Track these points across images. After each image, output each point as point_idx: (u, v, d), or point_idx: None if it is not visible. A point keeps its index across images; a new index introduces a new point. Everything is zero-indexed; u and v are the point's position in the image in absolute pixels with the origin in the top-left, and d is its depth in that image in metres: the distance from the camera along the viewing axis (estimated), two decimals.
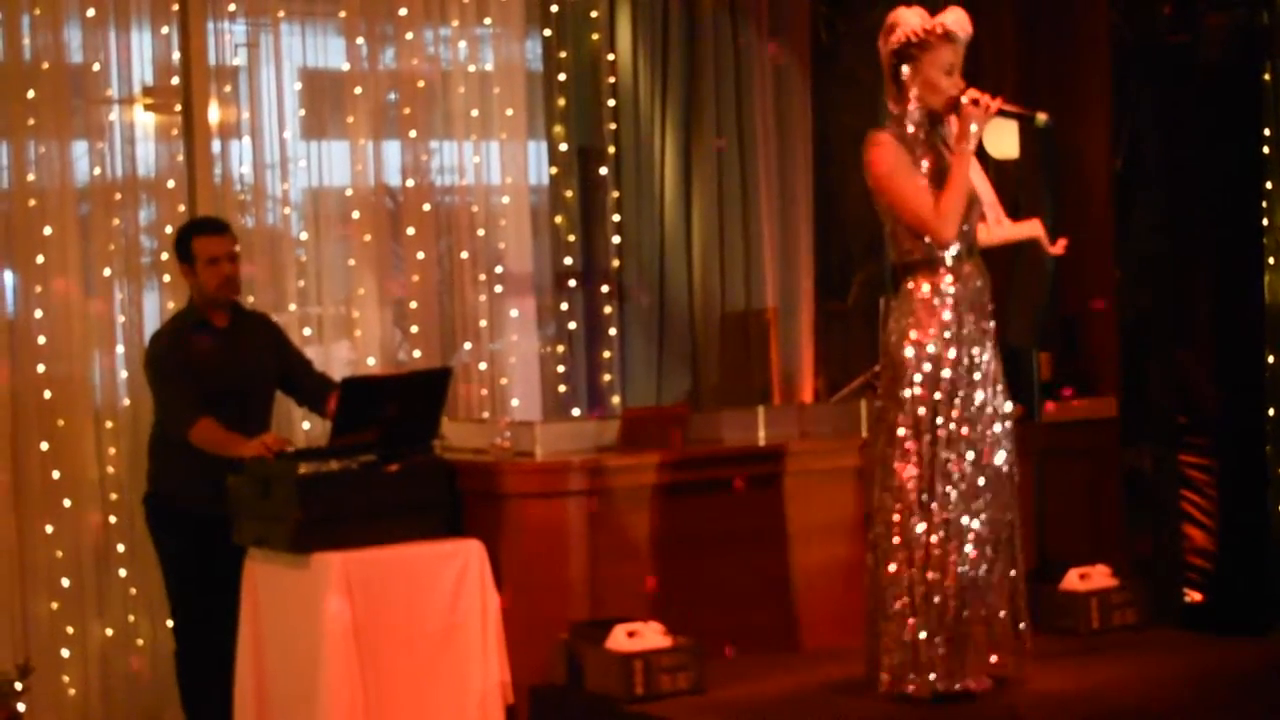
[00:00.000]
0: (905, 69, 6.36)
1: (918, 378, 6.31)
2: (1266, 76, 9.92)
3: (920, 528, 6.26)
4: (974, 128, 6.29)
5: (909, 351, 6.32)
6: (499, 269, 8.67)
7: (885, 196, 6.36)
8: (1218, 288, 9.48)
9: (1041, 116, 6.42)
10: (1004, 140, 8.58)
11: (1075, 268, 8.74)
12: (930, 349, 6.31)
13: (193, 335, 7.09)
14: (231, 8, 8.14)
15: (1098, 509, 8.45)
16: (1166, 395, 9.15)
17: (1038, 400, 8.20)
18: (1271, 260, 9.90)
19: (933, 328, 6.32)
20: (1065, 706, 6.37)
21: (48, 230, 7.68)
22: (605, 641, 6.56)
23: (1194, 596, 9.11)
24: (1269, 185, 9.90)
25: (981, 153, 6.66)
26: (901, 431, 6.32)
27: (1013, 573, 6.42)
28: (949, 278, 6.35)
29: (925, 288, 6.35)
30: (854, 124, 9.35)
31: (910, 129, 6.36)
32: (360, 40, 8.41)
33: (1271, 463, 9.54)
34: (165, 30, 7.97)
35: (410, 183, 8.51)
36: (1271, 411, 9.67)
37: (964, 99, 6.31)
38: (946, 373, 6.31)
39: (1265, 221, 9.88)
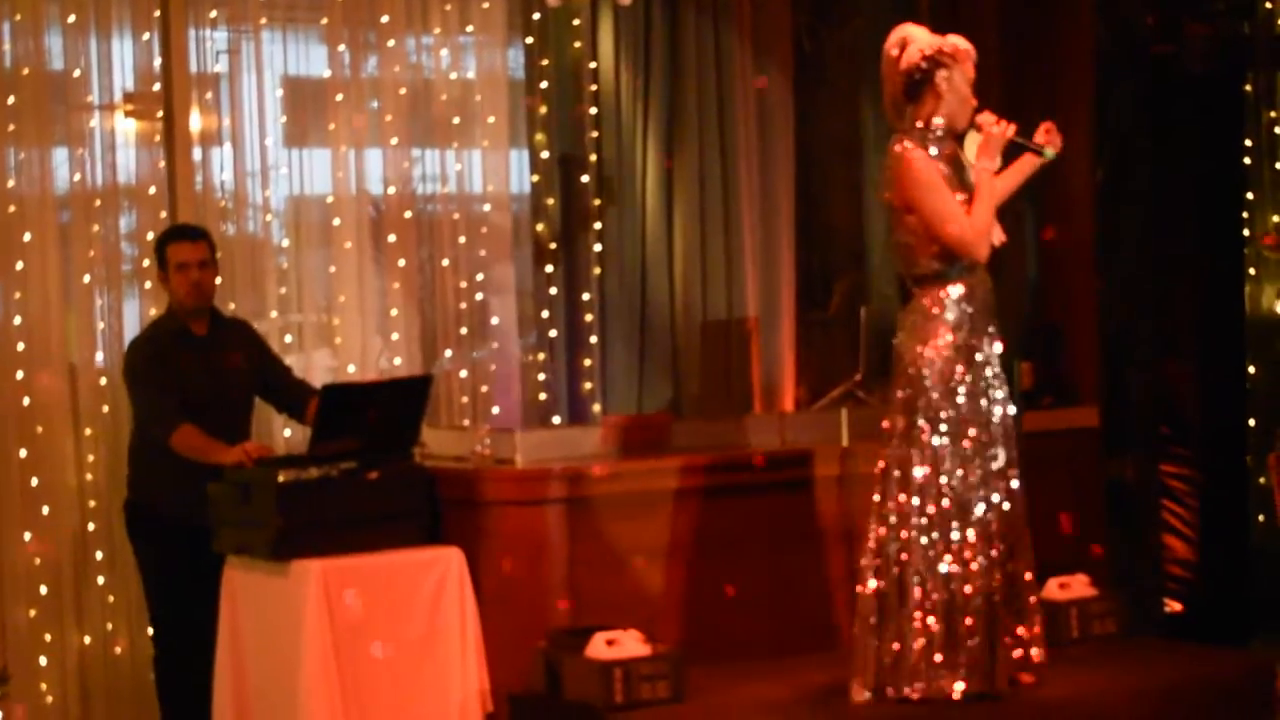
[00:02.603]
0: (940, 77, 6.34)
1: (931, 387, 6.35)
2: (1248, 87, 9.95)
3: (928, 537, 6.34)
4: (996, 151, 6.37)
5: (922, 362, 6.36)
6: (480, 277, 8.66)
7: (920, 211, 6.34)
8: (1200, 298, 9.49)
9: (1051, 150, 6.46)
10: None
11: (1057, 278, 8.77)
12: (944, 358, 6.36)
13: (172, 343, 7.07)
14: (213, 15, 8.13)
15: (1080, 518, 8.45)
16: (1148, 405, 9.14)
17: (1019, 409, 8.20)
18: (1253, 270, 9.92)
19: (945, 338, 6.37)
20: (1046, 715, 6.38)
21: (28, 236, 7.65)
22: (585, 649, 6.55)
23: (1174, 606, 9.11)
24: (1250, 196, 9.92)
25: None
26: (914, 440, 6.36)
27: (1018, 580, 6.47)
28: (958, 288, 6.39)
29: (936, 299, 6.39)
30: (836, 133, 9.38)
31: (932, 144, 6.37)
32: (342, 48, 8.39)
33: (1252, 473, 9.55)
34: (146, 37, 7.94)
35: (392, 190, 8.49)
36: (1253, 422, 9.68)
37: (986, 120, 6.34)
38: (958, 382, 6.37)
39: (1247, 232, 9.90)
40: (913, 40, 6.43)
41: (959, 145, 6.51)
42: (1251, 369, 9.77)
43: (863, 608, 6.47)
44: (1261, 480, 9.18)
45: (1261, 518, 9.47)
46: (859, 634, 6.48)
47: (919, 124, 6.42)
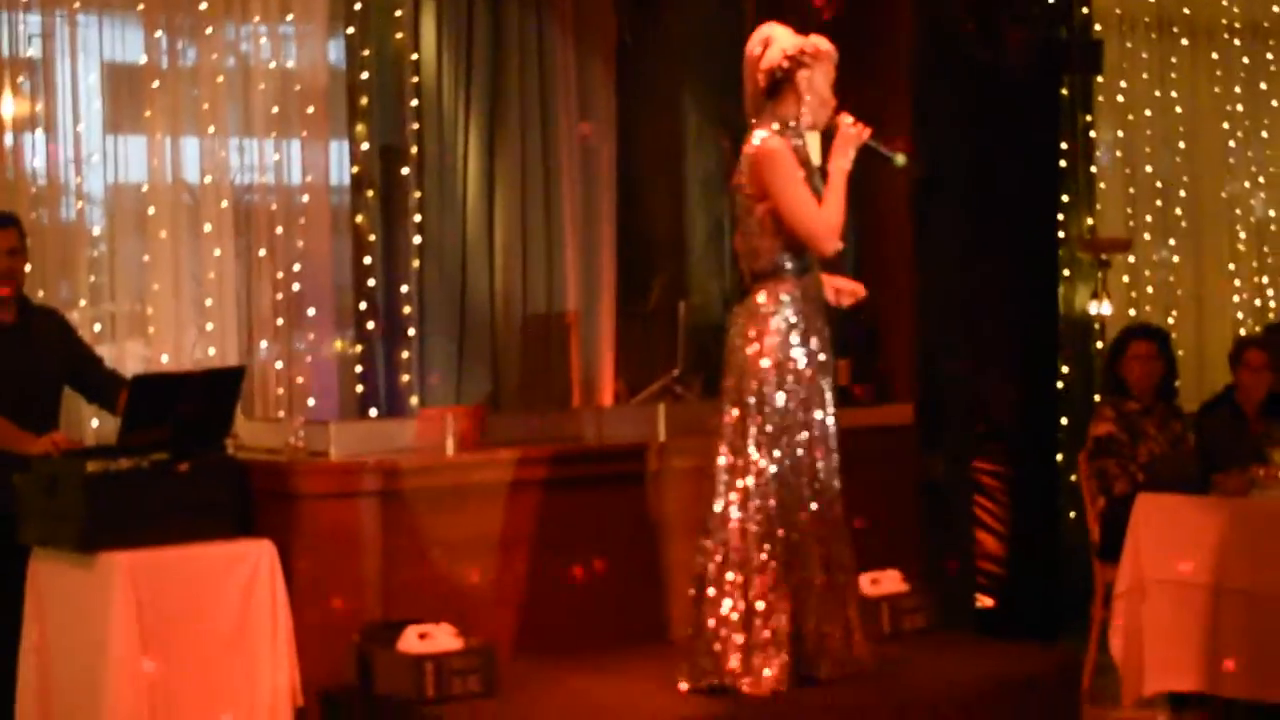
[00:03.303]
0: (801, 76, 6.38)
1: (765, 383, 6.38)
2: (1064, 91, 10.11)
3: (753, 533, 6.38)
4: (851, 151, 6.40)
5: (755, 357, 6.39)
6: (297, 267, 8.58)
7: (776, 200, 6.36)
8: (1014, 298, 9.62)
9: (901, 158, 6.52)
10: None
11: (875, 276, 8.83)
12: (774, 355, 6.38)
13: None
14: None
15: (893, 514, 8.52)
16: (962, 403, 9.26)
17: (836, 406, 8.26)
18: (1067, 272, 10.08)
19: (776, 335, 6.39)
20: (855, 709, 6.43)
21: None
22: (396, 643, 6.52)
23: (985, 602, 9.22)
24: (1065, 198, 10.08)
25: None
26: (743, 434, 6.39)
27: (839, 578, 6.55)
28: (793, 286, 6.43)
29: (771, 295, 6.42)
30: (658, 127, 9.41)
31: (794, 140, 6.41)
32: (159, 34, 8.29)
33: (1064, 471, 9.70)
34: None
35: (208, 179, 8.40)
36: (1065, 420, 9.83)
37: (844, 120, 6.39)
38: (790, 378, 6.40)
39: (1062, 234, 10.05)
40: (775, 40, 6.47)
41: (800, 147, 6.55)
42: (1064, 368, 9.93)
43: (692, 600, 6.50)
44: (1073, 478, 9.33)
45: (1072, 515, 9.62)
46: (687, 627, 6.51)
47: (780, 121, 6.45)
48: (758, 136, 6.42)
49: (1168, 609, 7.45)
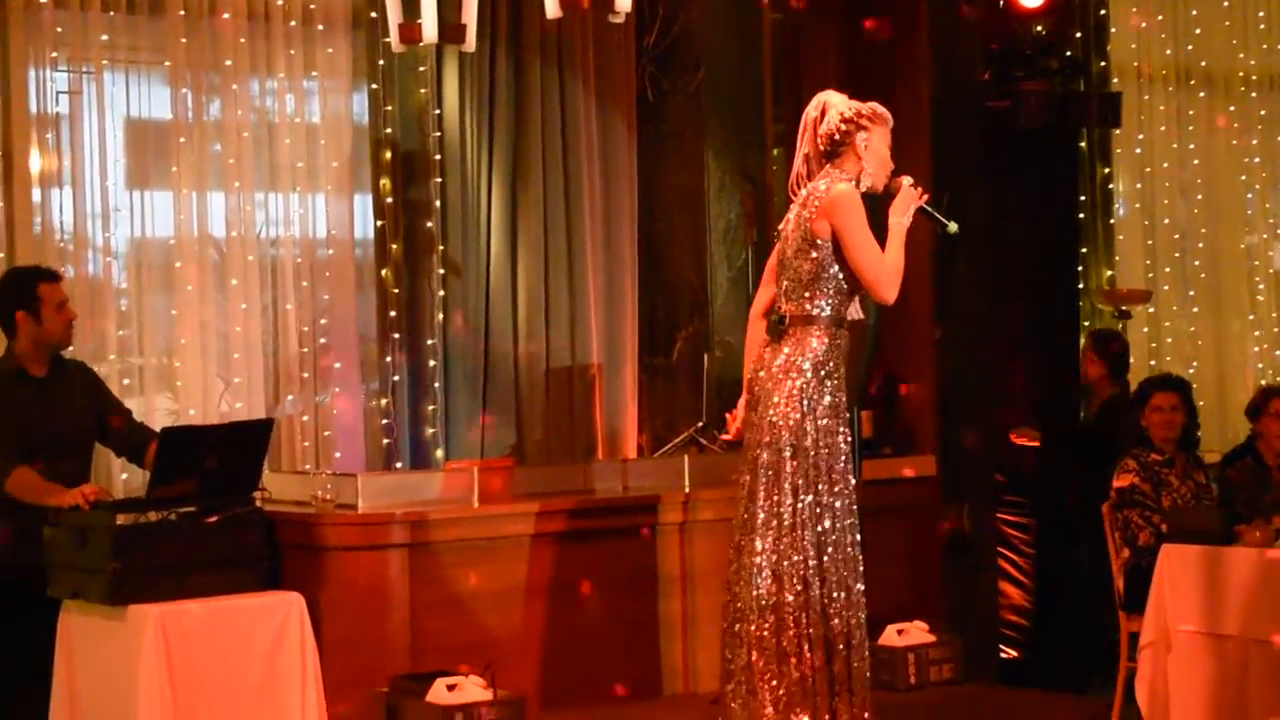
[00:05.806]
0: (859, 138, 6.47)
1: (793, 429, 6.39)
2: (1082, 143, 10.15)
3: (770, 577, 6.36)
4: (911, 208, 6.49)
5: (779, 405, 6.39)
6: (323, 321, 8.62)
7: (846, 243, 6.39)
8: (1035, 350, 9.64)
9: (954, 226, 6.58)
10: None
11: (896, 327, 8.86)
12: (805, 403, 6.40)
13: (10, 385, 6.98)
14: (54, 55, 8.05)
15: (917, 566, 8.54)
16: (985, 455, 9.26)
17: (859, 458, 8.27)
18: (1087, 323, 10.10)
19: (808, 381, 6.42)
20: None
21: None
22: (426, 695, 6.54)
23: (1010, 653, 9.22)
24: (1084, 250, 10.12)
25: None
26: (767, 480, 6.40)
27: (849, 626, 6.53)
28: (824, 335, 6.46)
29: (801, 343, 6.44)
30: (678, 182, 9.45)
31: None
32: (185, 90, 8.34)
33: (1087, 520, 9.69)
34: None
35: (234, 233, 8.44)
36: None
37: (906, 180, 6.49)
38: (821, 423, 6.41)
39: (1080, 285, 10.08)
40: (832, 105, 6.57)
41: None
42: (1083, 415, 9.94)
43: (723, 648, 6.50)
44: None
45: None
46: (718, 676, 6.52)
47: (849, 175, 6.50)
48: (827, 183, 6.46)
49: (1193, 660, 7.44)
